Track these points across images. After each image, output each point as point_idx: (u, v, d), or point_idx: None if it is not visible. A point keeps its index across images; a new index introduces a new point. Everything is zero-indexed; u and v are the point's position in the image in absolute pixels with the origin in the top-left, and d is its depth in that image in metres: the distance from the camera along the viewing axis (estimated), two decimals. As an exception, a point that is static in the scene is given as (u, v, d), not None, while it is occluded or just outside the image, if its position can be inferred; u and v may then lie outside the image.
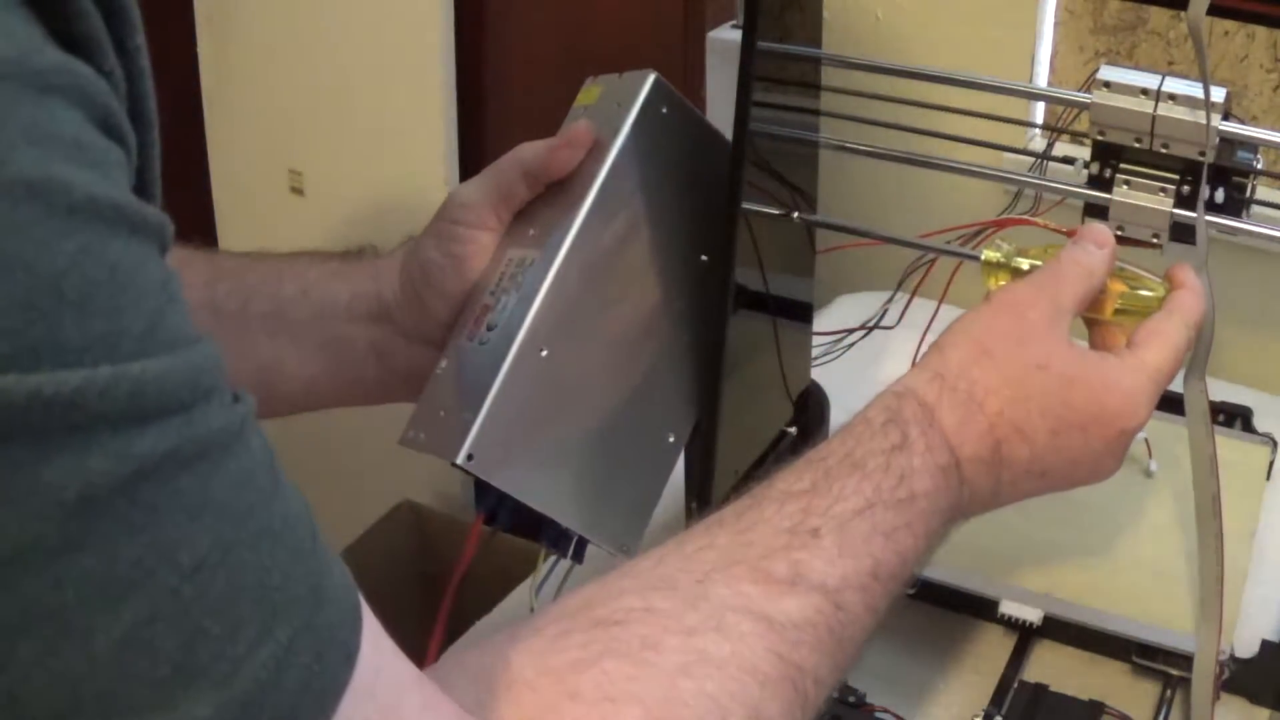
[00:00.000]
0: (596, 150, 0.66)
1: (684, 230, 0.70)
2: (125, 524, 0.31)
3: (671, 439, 0.71)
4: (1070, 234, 0.72)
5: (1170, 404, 0.67)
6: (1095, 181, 0.71)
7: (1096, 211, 0.71)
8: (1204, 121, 0.67)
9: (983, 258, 0.69)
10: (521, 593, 0.87)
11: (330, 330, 0.69)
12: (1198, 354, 0.66)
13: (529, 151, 0.67)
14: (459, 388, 0.63)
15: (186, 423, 0.33)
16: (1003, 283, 0.68)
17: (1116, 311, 0.66)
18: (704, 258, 0.71)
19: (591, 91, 0.70)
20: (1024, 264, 0.68)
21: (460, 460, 0.60)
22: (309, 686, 0.35)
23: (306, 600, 0.35)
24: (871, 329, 0.88)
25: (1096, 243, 0.64)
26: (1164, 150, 0.69)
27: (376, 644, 0.39)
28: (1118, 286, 0.66)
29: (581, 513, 0.66)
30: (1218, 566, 0.69)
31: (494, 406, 0.61)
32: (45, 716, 0.31)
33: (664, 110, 0.67)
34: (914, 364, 0.62)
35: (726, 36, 0.73)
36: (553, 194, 0.68)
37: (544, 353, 0.63)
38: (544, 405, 0.64)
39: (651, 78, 0.68)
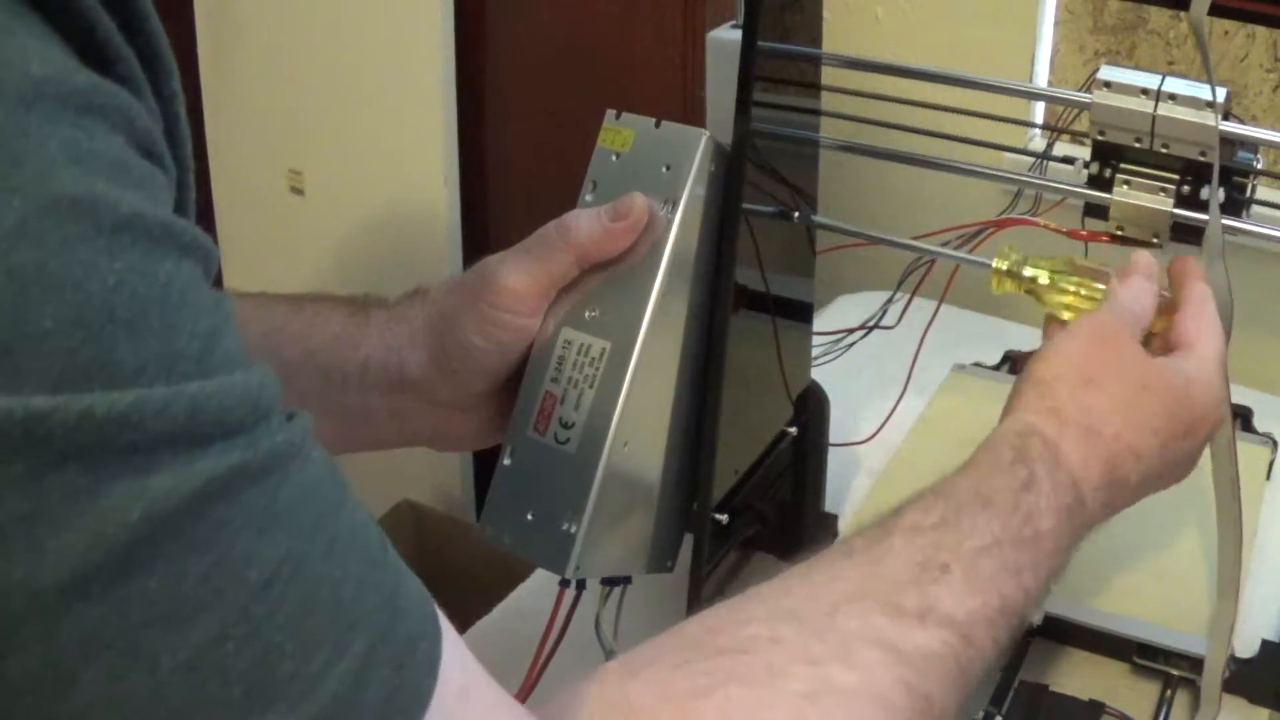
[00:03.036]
0: (652, 222, 0.64)
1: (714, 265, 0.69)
2: (191, 542, 0.31)
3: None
4: (1070, 234, 0.72)
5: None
6: (1095, 181, 0.71)
7: (1096, 211, 0.71)
8: (1204, 121, 0.67)
9: (993, 265, 0.70)
10: (521, 593, 0.87)
11: (343, 399, 0.67)
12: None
13: (583, 233, 0.64)
14: (542, 489, 0.63)
15: (249, 442, 0.32)
16: (1010, 291, 0.70)
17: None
18: None
19: (622, 135, 0.66)
20: (1032, 274, 0.69)
21: (569, 575, 0.62)
22: (391, 700, 0.34)
23: (382, 610, 0.35)
24: (871, 329, 0.88)
25: (1145, 275, 0.67)
26: (1164, 150, 0.69)
27: (464, 665, 0.38)
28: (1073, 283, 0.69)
29: (651, 562, 0.68)
30: (1237, 546, 0.70)
31: (593, 515, 0.62)
32: None
33: (713, 169, 0.65)
34: (1009, 405, 0.62)
35: (726, 36, 0.73)
36: (605, 265, 0.65)
37: (627, 447, 0.63)
38: (628, 492, 0.65)
39: (704, 140, 0.64)
